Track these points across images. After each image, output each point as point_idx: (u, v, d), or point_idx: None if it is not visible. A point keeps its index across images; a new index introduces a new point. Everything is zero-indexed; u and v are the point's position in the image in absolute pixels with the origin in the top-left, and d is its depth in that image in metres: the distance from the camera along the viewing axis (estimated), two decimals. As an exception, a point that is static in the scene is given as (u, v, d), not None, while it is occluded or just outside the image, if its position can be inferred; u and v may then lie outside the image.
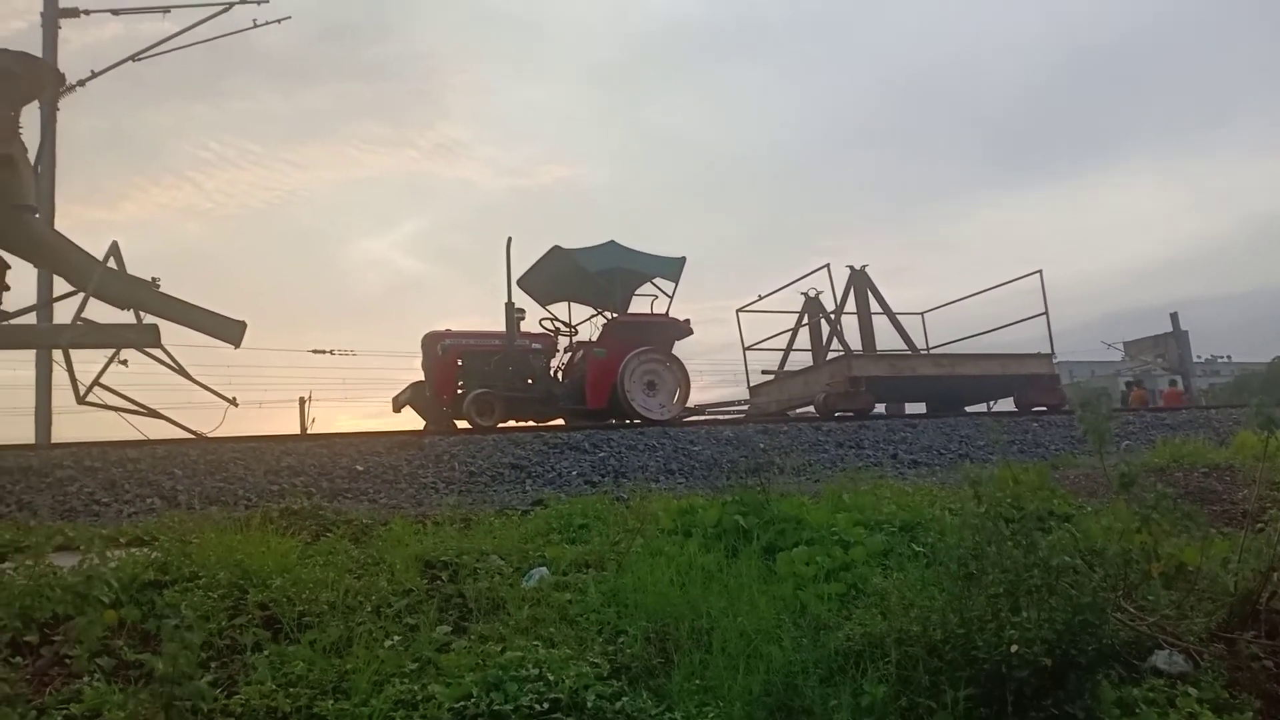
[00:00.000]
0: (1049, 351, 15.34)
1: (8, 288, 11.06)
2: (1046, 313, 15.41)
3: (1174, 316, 36.41)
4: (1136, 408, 18.52)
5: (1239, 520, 6.02)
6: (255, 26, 19.13)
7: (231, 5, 18.71)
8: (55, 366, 14.69)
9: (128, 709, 3.09)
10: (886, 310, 16.23)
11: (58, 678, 3.45)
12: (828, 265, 15.74)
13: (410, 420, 12.60)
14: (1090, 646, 3.71)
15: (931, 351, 16.45)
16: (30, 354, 15.75)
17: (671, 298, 13.44)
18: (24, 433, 16.40)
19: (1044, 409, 14.30)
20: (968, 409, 15.39)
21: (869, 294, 16.10)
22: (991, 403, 16.56)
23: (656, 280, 13.54)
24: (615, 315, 13.22)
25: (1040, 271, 15.58)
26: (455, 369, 12.19)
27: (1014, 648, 3.56)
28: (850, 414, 13.21)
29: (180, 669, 2.87)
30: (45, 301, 13.81)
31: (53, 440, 15.08)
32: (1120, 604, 4.08)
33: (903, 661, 3.75)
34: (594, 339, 13.16)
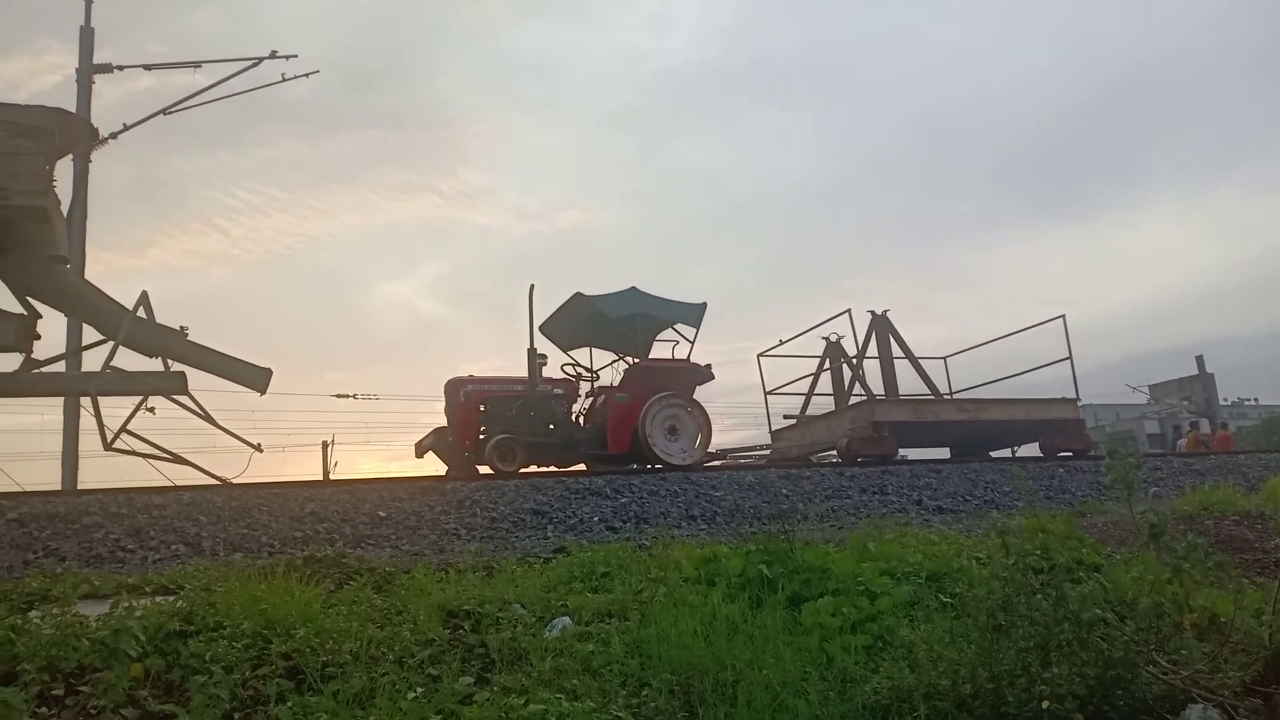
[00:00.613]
0: (1074, 396, 15.23)
1: (39, 336, 11.24)
2: (1070, 357, 15.32)
3: (1199, 359, 36.10)
4: (1186, 453, 18.21)
5: (1272, 569, 5.93)
6: (284, 80, 19.51)
7: (261, 60, 19.13)
8: (83, 413, 14.89)
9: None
10: (908, 354, 16.16)
11: (83, 729, 3.46)
12: (849, 310, 15.79)
13: (433, 465, 12.65)
14: (1123, 702, 3.65)
15: (955, 396, 16.36)
16: (59, 400, 15.93)
17: (693, 343, 13.49)
18: (51, 477, 16.56)
19: (1069, 454, 14.16)
20: (992, 454, 15.26)
21: (890, 338, 16.06)
22: (1016, 448, 16.40)
23: (678, 326, 13.60)
24: (637, 360, 13.26)
25: (1064, 316, 15.51)
26: (478, 414, 12.25)
27: (1045, 704, 3.50)
28: (873, 459, 13.13)
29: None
30: (75, 350, 14.00)
31: (79, 485, 15.20)
32: (1152, 657, 4.01)
33: (931, 716, 3.70)
34: (615, 384, 13.20)
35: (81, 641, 3.80)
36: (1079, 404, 15.34)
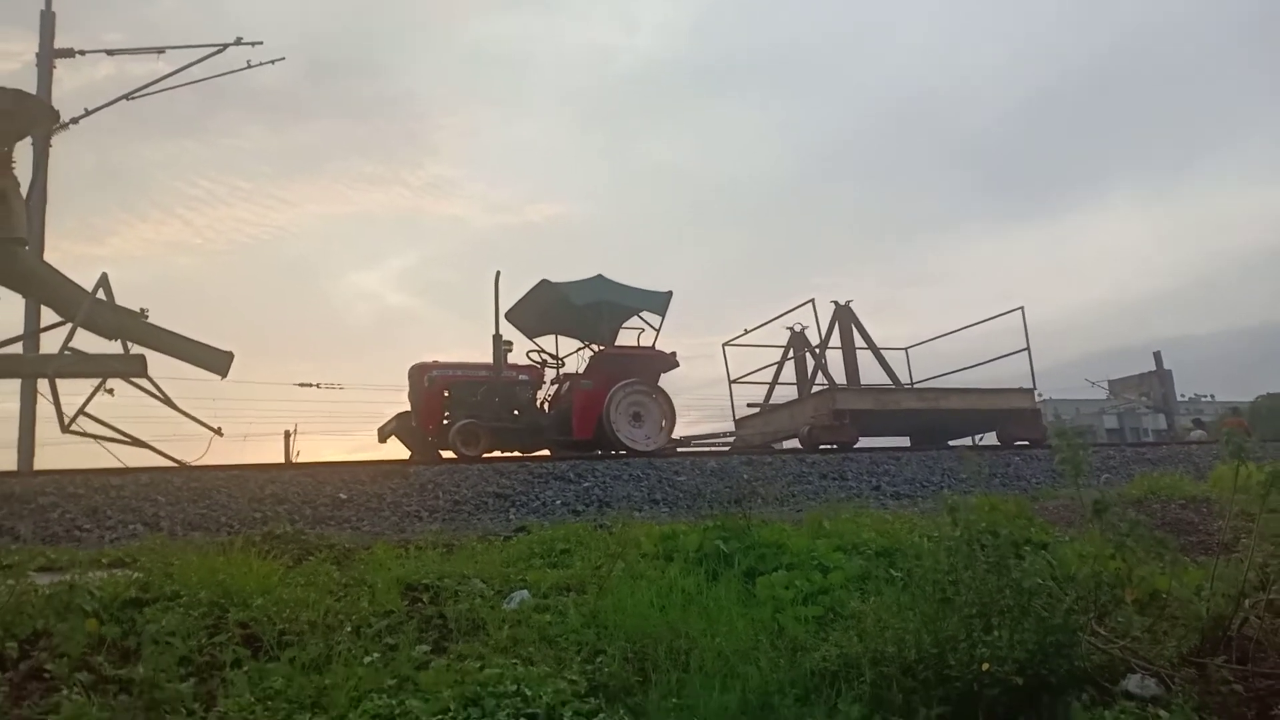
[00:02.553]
0: (1031, 386, 15.48)
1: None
2: (1028, 348, 15.57)
3: (1157, 355, 36.87)
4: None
5: (1214, 550, 6.08)
6: (249, 67, 19.20)
7: (225, 47, 18.86)
8: (40, 397, 14.68)
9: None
10: (870, 345, 16.36)
11: (36, 691, 3.46)
12: (812, 300, 15.87)
13: (396, 451, 12.61)
14: (1062, 668, 3.76)
15: (915, 386, 16.56)
16: (15, 384, 15.70)
17: (658, 331, 13.55)
18: (7, 464, 16.31)
19: (1026, 443, 14.40)
20: (951, 443, 15.47)
21: (853, 329, 16.23)
22: (977, 437, 16.63)
23: (643, 314, 13.65)
24: (602, 348, 13.30)
25: (1022, 308, 15.76)
26: (441, 399, 12.22)
27: (986, 666, 3.60)
28: (834, 446, 13.28)
29: (160, 673, 2.89)
30: (32, 331, 13.82)
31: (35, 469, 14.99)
32: (1093, 627, 4.13)
33: (877, 681, 3.79)
34: (580, 371, 13.23)
35: (36, 604, 3.79)
36: (1037, 395, 15.58)
